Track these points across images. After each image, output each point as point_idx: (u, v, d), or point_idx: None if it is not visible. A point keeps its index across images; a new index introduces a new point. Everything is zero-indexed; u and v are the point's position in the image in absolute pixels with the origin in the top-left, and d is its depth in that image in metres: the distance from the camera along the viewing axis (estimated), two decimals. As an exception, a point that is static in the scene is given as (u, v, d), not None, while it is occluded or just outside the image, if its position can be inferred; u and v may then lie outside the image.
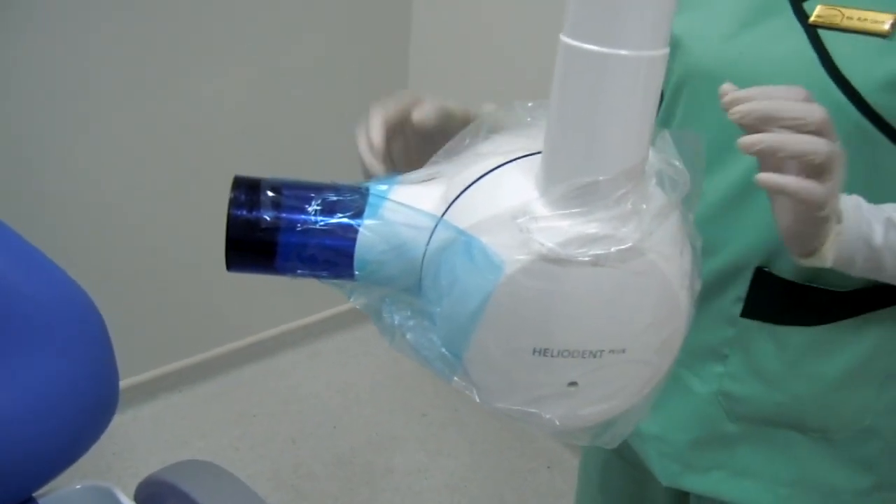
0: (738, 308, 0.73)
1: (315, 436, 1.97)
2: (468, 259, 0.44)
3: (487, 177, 0.47)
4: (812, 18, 0.64)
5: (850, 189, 0.62)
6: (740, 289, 0.72)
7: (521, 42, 1.83)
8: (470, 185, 0.47)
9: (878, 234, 0.61)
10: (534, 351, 0.43)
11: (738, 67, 0.66)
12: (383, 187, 0.50)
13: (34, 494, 1.04)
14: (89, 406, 1.03)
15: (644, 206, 0.41)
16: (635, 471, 0.91)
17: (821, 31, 0.63)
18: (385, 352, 2.24)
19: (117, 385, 1.08)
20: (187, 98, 1.82)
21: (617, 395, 0.46)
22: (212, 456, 1.86)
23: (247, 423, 2.00)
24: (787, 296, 0.70)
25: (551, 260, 0.41)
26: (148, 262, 1.92)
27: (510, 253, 0.42)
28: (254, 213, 0.48)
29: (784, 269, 0.70)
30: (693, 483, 0.81)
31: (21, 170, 1.66)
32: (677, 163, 0.44)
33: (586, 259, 0.41)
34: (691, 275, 0.45)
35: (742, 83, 0.59)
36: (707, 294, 0.72)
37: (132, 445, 1.88)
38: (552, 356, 0.43)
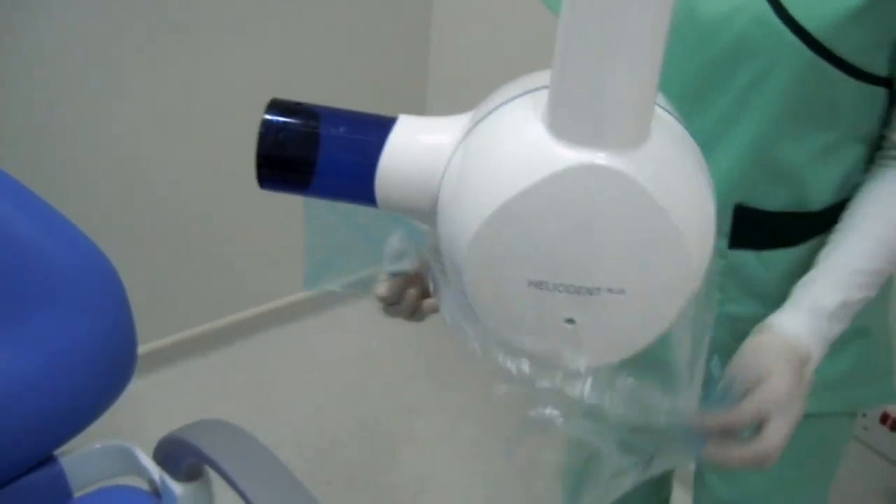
0: (725, 242, 0.78)
1: (338, 402, 1.98)
2: (471, 187, 0.43)
3: (500, 109, 0.46)
4: None
5: (811, 125, 0.71)
6: (724, 224, 0.77)
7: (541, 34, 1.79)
8: (484, 118, 0.46)
9: (835, 329, 0.70)
10: (529, 283, 0.42)
11: (698, 12, 0.70)
12: (412, 116, 0.51)
13: (55, 453, 1.06)
14: (107, 365, 1.04)
15: (650, 140, 0.40)
16: None
17: None
18: (408, 319, 2.24)
19: (135, 345, 1.08)
20: (210, 68, 1.82)
21: (619, 338, 0.45)
22: (235, 421, 1.88)
23: (270, 388, 2.01)
24: (768, 225, 0.77)
25: (546, 188, 0.40)
26: (171, 228, 1.94)
27: (507, 181, 0.41)
28: (294, 123, 0.50)
29: (761, 201, 0.76)
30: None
31: (44, 136, 1.68)
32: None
33: (581, 188, 0.39)
34: (705, 216, 0.43)
35: (700, 27, 0.69)
36: None
37: (157, 409, 1.90)
38: (548, 290, 0.42)
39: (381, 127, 0.50)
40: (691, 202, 0.41)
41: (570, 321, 0.43)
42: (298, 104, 0.52)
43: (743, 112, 0.72)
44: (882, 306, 0.86)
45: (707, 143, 0.71)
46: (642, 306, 0.43)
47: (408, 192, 0.48)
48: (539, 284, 0.42)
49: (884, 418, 1.38)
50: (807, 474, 0.90)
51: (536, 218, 0.41)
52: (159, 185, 1.87)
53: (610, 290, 0.42)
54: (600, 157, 0.39)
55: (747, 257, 0.79)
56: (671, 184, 0.40)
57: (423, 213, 0.49)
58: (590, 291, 0.42)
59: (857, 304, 0.71)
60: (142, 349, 2.02)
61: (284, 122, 0.51)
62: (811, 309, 0.69)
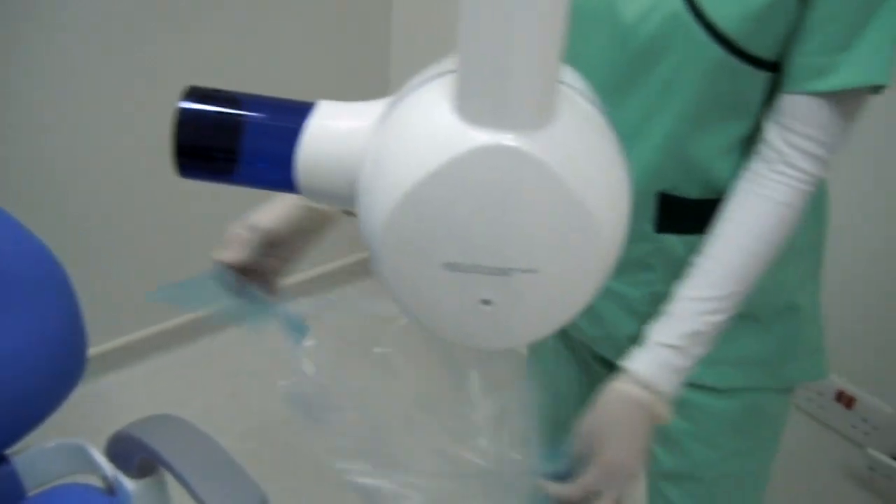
0: (652, 226, 0.81)
1: (305, 393, 1.98)
2: (384, 172, 0.43)
3: (413, 93, 0.45)
4: None
5: (723, 118, 0.74)
6: (650, 211, 0.80)
7: None
8: (398, 102, 0.46)
9: (690, 358, 0.74)
10: (443, 265, 0.42)
11: (617, 8, 0.73)
12: (332, 101, 0.50)
13: (7, 452, 1.05)
14: (55, 364, 1.03)
15: (557, 120, 0.39)
16: (584, 359, 1.01)
17: None
18: (374, 310, 2.24)
19: (84, 344, 1.07)
20: (168, 65, 1.80)
21: (535, 319, 0.45)
22: (204, 415, 1.87)
23: (238, 381, 2.00)
24: (691, 211, 0.79)
25: (453, 170, 0.39)
26: (137, 225, 1.92)
27: (416, 165, 0.41)
28: (214, 111, 0.49)
29: (683, 190, 0.78)
30: None
31: (11, 134, 1.66)
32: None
33: (486, 169, 0.39)
34: (616, 196, 0.43)
35: (619, 23, 0.72)
36: None
37: (124, 406, 1.88)
38: (462, 271, 0.42)
39: (300, 113, 0.49)
40: (600, 180, 0.41)
41: (487, 302, 0.43)
42: (216, 91, 0.51)
43: (660, 106, 0.75)
44: (812, 284, 0.88)
45: (630, 133, 0.76)
46: (557, 286, 0.43)
47: (327, 179, 0.48)
48: (453, 266, 0.42)
49: (839, 396, 1.40)
50: (747, 446, 0.93)
51: (446, 200, 0.40)
52: (126, 183, 1.86)
53: (523, 271, 0.42)
54: (502, 137, 0.39)
55: (673, 241, 0.81)
56: (579, 162, 0.40)
57: (346, 200, 0.48)
58: (503, 272, 0.42)
59: (715, 327, 0.74)
60: (111, 345, 2.01)
61: (203, 110, 0.50)
62: (659, 345, 0.73)
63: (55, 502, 1.07)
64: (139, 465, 1.00)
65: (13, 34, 1.60)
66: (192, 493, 0.78)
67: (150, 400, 1.92)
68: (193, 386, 1.98)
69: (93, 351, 1.94)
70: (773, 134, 0.72)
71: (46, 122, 1.72)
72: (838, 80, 0.68)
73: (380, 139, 0.44)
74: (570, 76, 0.46)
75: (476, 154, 0.39)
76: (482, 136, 0.39)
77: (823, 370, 0.91)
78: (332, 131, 0.47)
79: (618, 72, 0.75)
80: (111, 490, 1.06)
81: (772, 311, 0.85)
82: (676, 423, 0.92)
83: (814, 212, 0.83)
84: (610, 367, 1.00)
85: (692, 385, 0.88)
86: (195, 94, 0.50)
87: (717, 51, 0.69)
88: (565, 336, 1.03)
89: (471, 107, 0.39)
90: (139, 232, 1.94)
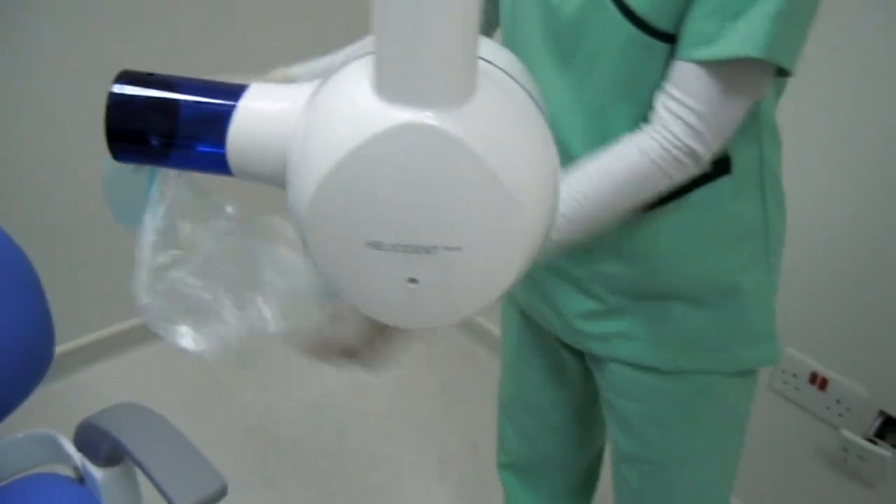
0: None
1: (286, 383, 1.97)
2: (309, 152, 0.43)
3: (338, 73, 0.45)
4: None
5: (641, 94, 0.73)
6: None
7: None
8: (324, 83, 0.45)
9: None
10: (367, 244, 0.42)
11: None
12: (264, 83, 0.51)
13: (-25, 444, 1.04)
14: (22, 353, 1.02)
15: (475, 97, 0.39)
16: (548, 342, 1.03)
17: None
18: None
19: (51, 330, 1.06)
20: (139, 42, 1.79)
21: (463, 296, 0.45)
22: (182, 407, 1.87)
23: (217, 373, 2.00)
24: None
25: (372, 149, 0.39)
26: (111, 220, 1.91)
27: (338, 144, 0.40)
28: (146, 94, 0.49)
29: None
30: (595, 347, 0.92)
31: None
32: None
33: (404, 147, 0.39)
34: (540, 173, 0.43)
35: (547, 4, 0.75)
36: None
37: (102, 399, 1.86)
38: (386, 250, 0.42)
39: (234, 95, 0.49)
40: (522, 156, 0.41)
41: (413, 281, 0.43)
42: (150, 74, 0.51)
43: (587, 82, 0.76)
44: (759, 269, 0.87)
45: (565, 107, 0.78)
46: (482, 263, 0.42)
47: (259, 161, 0.48)
48: (378, 245, 0.42)
49: (812, 378, 1.40)
50: (703, 429, 0.93)
51: (367, 179, 0.40)
52: (96, 176, 1.85)
53: (447, 248, 0.41)
54: (419, 115, 0.38)
55: None
56: (499, 139, 0.40)
57: (279, 181, 0.48)
58: (427, 250, 0.42)
59: None
60: (89, 338, 2.00)
61: (135, 94, 0.50)
62: None
63: (25, 492, 1.07)
64: (107, 454, 1.00)
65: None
66: (153, 480, 0.78)
67: (132, 392, 1.91)
68: (171, 379, 1.97)
69: (71, 345, 1.96)
70: (657, 99, 0.72)
71: (12, 119, 1.71)
72: (714, 50, 0.67)
73: (307, 120, 0.44)
74: (498, 55, 0.46)
75: (394, 132, 0.39)
76: (400, 114, 0.39)
77: (775, 356, 0.90)
78: (261, 113, 0.47)
79: (551, 48, 0.77)
80: (81, 479, 1.06)
81: (712, 294, 0.85)
82: (628, 404, 0.92)
83: (760, 196, 0.83)
84: (572, 351, 1.01)
85: (636, 366, 0.90)
86: (127, 77, 0.50)
87: (630, 28, 0.71)
88: (528, 320, 1.03)
89: (389, 85, 0.39)
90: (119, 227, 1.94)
